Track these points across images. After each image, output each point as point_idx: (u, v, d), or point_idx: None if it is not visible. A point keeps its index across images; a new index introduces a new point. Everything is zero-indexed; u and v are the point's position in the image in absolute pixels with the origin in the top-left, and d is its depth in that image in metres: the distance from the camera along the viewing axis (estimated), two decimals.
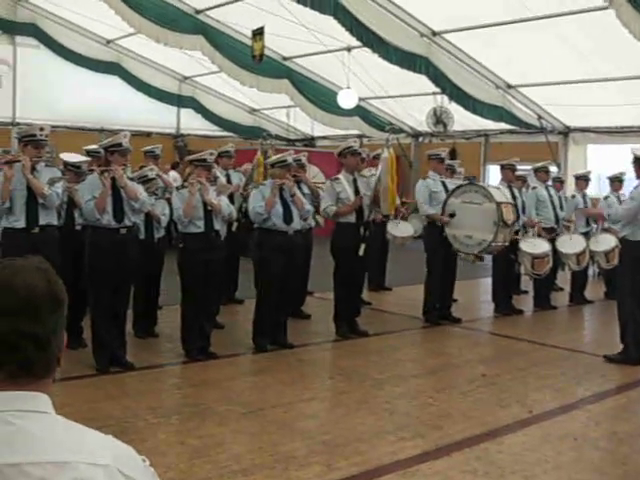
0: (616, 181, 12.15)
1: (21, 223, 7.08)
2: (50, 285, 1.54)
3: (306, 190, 9.52)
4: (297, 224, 8.28)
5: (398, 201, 10.49)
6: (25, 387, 1.50)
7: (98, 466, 1.47)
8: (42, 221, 7.12)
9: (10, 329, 1.48)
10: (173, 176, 13.51)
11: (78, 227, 7.80)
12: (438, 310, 10.00)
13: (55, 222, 7.35)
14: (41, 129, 7.19)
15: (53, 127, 9.31)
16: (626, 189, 11.23)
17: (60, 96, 20.15)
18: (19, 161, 7.03)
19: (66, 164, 8.11)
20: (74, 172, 7.96)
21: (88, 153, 8.84)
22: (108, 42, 20.26)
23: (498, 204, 9.39)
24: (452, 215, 9.66)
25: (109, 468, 1.48)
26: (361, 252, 8.81)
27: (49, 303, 1.52)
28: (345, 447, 5.35)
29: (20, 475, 1.41)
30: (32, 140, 7.11)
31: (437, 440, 5.57)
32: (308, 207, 8.46)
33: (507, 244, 9.73)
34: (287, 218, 8.16)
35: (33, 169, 7.05)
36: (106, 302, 7.15)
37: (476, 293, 12.86)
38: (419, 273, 10.55)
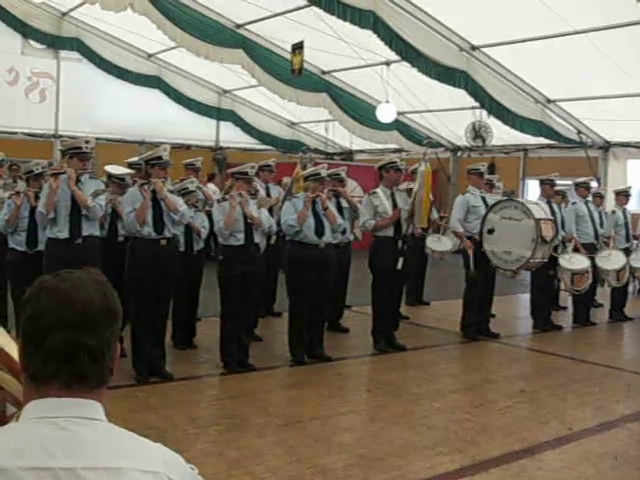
0: None
1: (65, 234, 7.20)
2: (106, 298, 1.58)
3: (345, 204, 9.55)
4: (329, 237, 8.29)
5: (436, 215, 10.49)
6: (80, 395, 1.54)
7: (149, 473, 1.50)
8: (85, 232, 7.24)
9: (67, 341, 1.52)
10: (212, 188, 13.59)
11: (121, 238, 7.89)
12: (476, 325, 9.94)
13: (97, 233, 7.47)
14: (86, 142, 7.32)
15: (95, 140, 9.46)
16: None
17: (101, 109, 20.48)
18: (64, 173, 7.17)
19: (110, 176, 8.23)
20: (118, 184, 8.07)
21: (129, 166, 8.95)
22: (149, 56, 20.53)
23: (537, 220, 9.33)
24: (491, 231, 9.62)
25: (159, 475, 1.51)
26: (399, 266, 8.80)
27: (105, 316, 1.57)
28: (382, 461, 5.35)
29: (75, 479, 1.45)
30: (78, 152, 7.24)
31: (475, 456, 5.54)
32: (340, 221, 8.47)
33: (546, 260, 9.66)
34: (319, 231, 8.19)
35: (78, 181, 7.17)
36: (146, 313, 7.22)
37: (515, 309, 12.78)
38: (457, 288, 10.52)
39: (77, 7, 18.05)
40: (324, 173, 8.54)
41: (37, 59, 20.14)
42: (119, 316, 1.62)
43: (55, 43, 19.58)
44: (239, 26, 16.75)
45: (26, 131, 19.74)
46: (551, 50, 13.74)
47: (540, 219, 9.40)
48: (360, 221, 9.08)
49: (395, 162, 9.10)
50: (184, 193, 8.20)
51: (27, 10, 18.31)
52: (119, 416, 5.92)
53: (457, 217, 9.97)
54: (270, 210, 9.43)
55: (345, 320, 10.36)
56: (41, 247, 7.66)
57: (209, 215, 8.60)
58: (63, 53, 20.20)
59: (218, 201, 8.03)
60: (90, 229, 7.29)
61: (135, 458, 1.51)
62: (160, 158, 7.41)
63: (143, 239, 7.24)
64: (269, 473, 5.04)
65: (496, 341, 9.87)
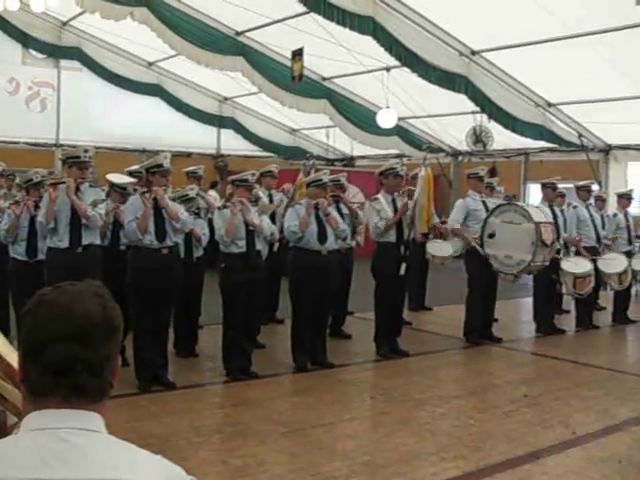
0: None
1: (65, 243, 7.22)
2: (106, 312, 1.57)
3: (345, 210, 9.55)
4: (332, 244, 8.30)
5: (437, 220, 10.47)
6: (80, 407, 1.53)
7: None
8: (85, 241, 7.25)
9: (66, 355, 1.51)
10: (213, 195, 13.61)
11: (123, 247, 7.89)
12: (479, 330, 9.93)
13: (98, 242, 7.47)
14: (85, 151, 7.33)
15: (96, 148, 9.47)
16: None
17: (102, 118, 20.50)
18: (64, 182, 7.17)
19: (112, 185, 8.23)
20: (120, 193, 8.08)
21: (130, 174, 8.94)
22: (150, 64, 20.59)
23: (537, 224, 9.32)
24: (491, 235, 9.61)
25: None
26: (402, 272, 8.80)
27: (104, 331, 1.56)
28: (386, 468, 5.33)
29: None
30: (76, 162, 7.25)
31: (479, 461, 5.52)
32: (343, 227, 8.47)
33: (547, 264, 9.64)
34: (321, 237, 8.19)
35: (77, 190, 7.18)
36: (148, 321, 7.22)
37: (517, 313, 12.77)
38: (459, 293, 10.51)
39: (77, 16, 18.10)
40: (326, 179, 8.55)
41: (38, 69, 20.20)
42: (119, 330, 1.61)
43: (55, 52, 19.67)
44: (239, 33, 16.78)
45: (27, 140, 19.78)
46: (551, 54, 13.75)
47: (540, 222, 9.38)
48: (370, 226, 9.05)
49: (394, 168, 9.08)
50: (185, 200, 8.20)
51: (27, 20, 18.35)
52: (121, 425, 5.96)
53: (453, 217, 9.99)
54: (272, 217, 9.45)
55: (348, 326, 10.35)
56: (41, 256, 7.69)
57: (210, 222, 8.60)
58: (63, 62, 20.27)
59: (219, 208, 8.02)
60: (90, 238, 7.29)
61: (135, 470, 1.50)
62: (161, 166, 7.42)
63: (145, 248, 7.24)
64: None
65: (499, 345, 9.86)
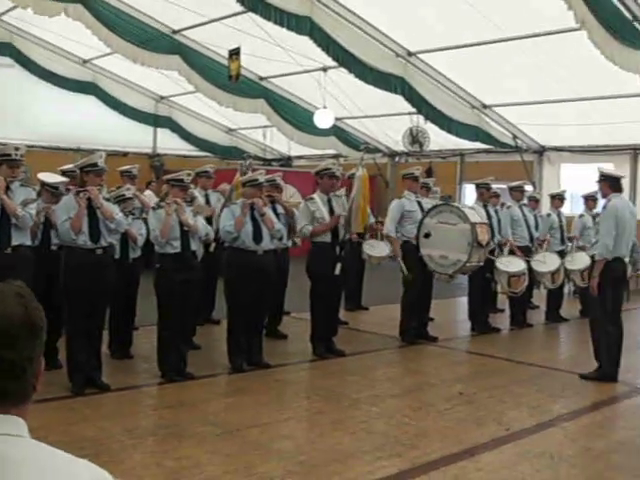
0: (590, 199, 12.26)
1: None
2: (28, 312, 1.53)
3: (280, 210, 9.54)
4: (267, 243, 8.29)
5: (372, 220, 10.52)
6: (1, 411, 1.49)
7: None
8: (15, 241, 7.07)
9: None
10: (148, 194, 13.46)
11: (54, 247, 7.74)
12: (415, 329, 10.01)
13: (28, 242, 7.30)
14: (16, 149, 7.18)
15: (29, 147, 9.29)
16: (599, 208, 11.31)
17: (36, 116, 20.05)
18: None
19: (43, 184, 8.07)
20: (51, 193, 7.92)
21: (64, 173, 8.78)
22: (84, 62, 20.21)
23: (473, 225, 9.42)
24: (427, 235, 9.69)
25: None
26: (337, 272, 8.82)
27: (26, 331, 1.51)
28: (322, 467, 5.34)
29: None
30: (7, 160, 7.09)
31: (414, 459, 5.56)
32: (278, 226, 8.45)
33: (482, 264, 9.76)
34: (257, 237, 8.17)
35: (7, 189, 7.02)
36: (82, 323, 7.10)
37: (453, 312, 12.90)
38: (395, 292, 10.58)
39: (9, 11, 17.65)
40: (262, 179, 8.53)
41: None
42: (42, 331, 1.57)
43: None
44: (175, 32, 16.62)
45: None
46: (486, 56, 13.94)
47: (476, 223, 9.49)
48: (298, 227, 9.08)
49: (329, 168, 9.10)
50: (120, 200, 8.10)
51: None
52: (55, 428, 5.86)
53: (391, 221, 10.04)
54: (209, 218, 9.39)
55: (284, 326, 10.34)
56: None
57: (146, 222, 8.50)
58: None
59: (153, 208, 7.93)
60: (20, 238, 7.12)
61: (59, 476, 1.47)
62: (95, 165, 7.30)
63: (78, 248, 7.11)
64: None
65: (434, 345, 9.95)
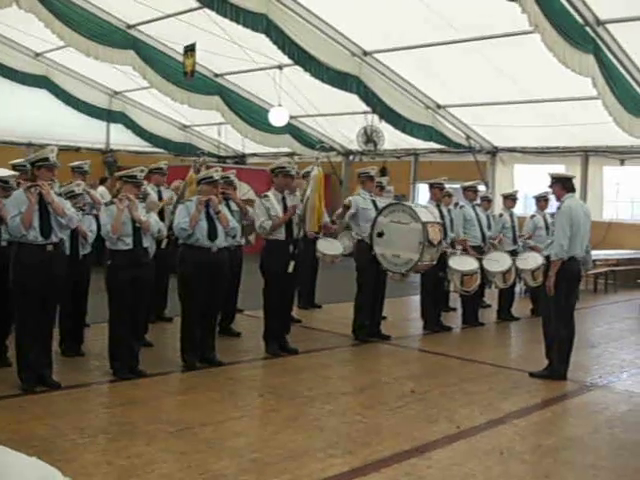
0: (542, 200, 12.41)
1: None
2: None
3: (235, 207, 9.51)
4: (222, 241, 8.26)
5: (327, 219, 10.53)
6: None
7: None
8: None
9: None
10: (101, 191, 13.32)
11: (4, 243, 7.62)
12: (368, 327, 10.05)
13: None
14: None
15: None
16: (551, 208, 11.47)
17: None
18: None
19: None
20: (2, 187, 7.78)
21: (14, 167, 8.66)
22: (37, 55, 19.93)
23: (424, 224, 9.43)
24: (380, 234, 9.71)
25: None
26: (290, 269, 8.82)
27: None
28: (274, 465, 5.33)
29: None
30: None
31: (366, 457, 5.58)
32: (233, 224, 8.44)
33: (434, 263, 9.81)
34: (211, 235, 8.14)
35: None
36: (32, 320, 6.99)
37: (405, 310, 12.98)
38: (349, 291, 10.61)
39: None
40: (217, 176, 8.50)
41: None
42: None
43: None
44: (130, 27, 16.50)
45: None
46: (440, 57, 14.07)
47: (427, 222, 9.51)
48: (257, 223, 9.03)
49: (284, 167, 9.08)
50: (71, 196, 8.00)
51: None
52: (4, 427, 5.79)
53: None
54: (161, 214, 9.33)
55: (237, 324, 10.33)
56: None
57: (97, 218, 8.41)
58: None
59: (106, 204, 7.86)
60: None
61: (7, 474, 1.45)
62: (47, 159, 7.20)
63: (29, 244, 6.99)
64: None
65: (387, 343, 10.00)
